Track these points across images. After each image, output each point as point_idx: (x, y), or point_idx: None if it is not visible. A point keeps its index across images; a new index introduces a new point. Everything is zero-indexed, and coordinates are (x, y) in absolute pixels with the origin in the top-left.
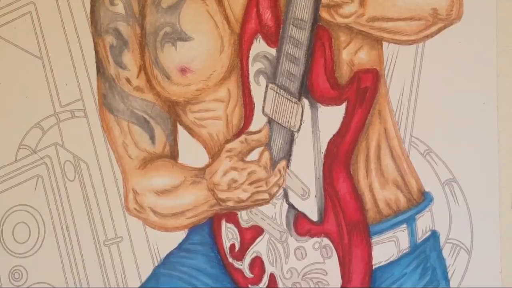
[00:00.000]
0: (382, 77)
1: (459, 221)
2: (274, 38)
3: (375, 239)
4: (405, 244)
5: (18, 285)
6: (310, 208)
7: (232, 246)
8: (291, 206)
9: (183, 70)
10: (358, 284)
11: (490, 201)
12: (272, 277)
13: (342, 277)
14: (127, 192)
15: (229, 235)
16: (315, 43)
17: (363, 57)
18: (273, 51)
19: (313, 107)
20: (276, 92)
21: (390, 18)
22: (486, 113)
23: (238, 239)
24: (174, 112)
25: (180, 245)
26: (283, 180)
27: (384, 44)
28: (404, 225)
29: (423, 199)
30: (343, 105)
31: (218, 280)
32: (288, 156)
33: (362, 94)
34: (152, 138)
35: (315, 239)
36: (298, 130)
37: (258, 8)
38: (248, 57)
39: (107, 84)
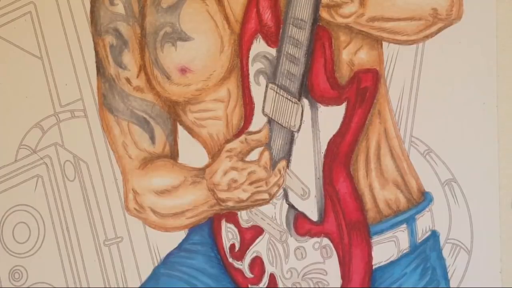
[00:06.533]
0: (382, 77)
1: (459, 221)
2: (274, 38)
3: (375, 239)
4: (405, 244)
5: (18, 285)
6: (310, 208)
7: (232, 246)
8: (291, 206)
9: (183, 70)
10: (358, 284)
11: (490, 201)
12: (272, 277)
13: (342, 277)
14: (127, 192)
15: (229, 235)
16: (315, 43)
17: (363, 57)
18: (273, 51)
19: (313, 107)
20: (276, 92)
21: (390, 18)
22: (486, 113)
23: (238, 239)
24: (174, 112)
25: (180, 245)
26: (283, 180)
27: (384, 44)
28: (404, 225)
29: (423, 199)
30: (343, 105)
31: (218, 280)
32: (288, 156)
33: (362, 94)
34: (152, 138)
35: (315, 239)
36: (298, 130)
37: (258, 8)
38: (248, 57)
39: (107, 84)
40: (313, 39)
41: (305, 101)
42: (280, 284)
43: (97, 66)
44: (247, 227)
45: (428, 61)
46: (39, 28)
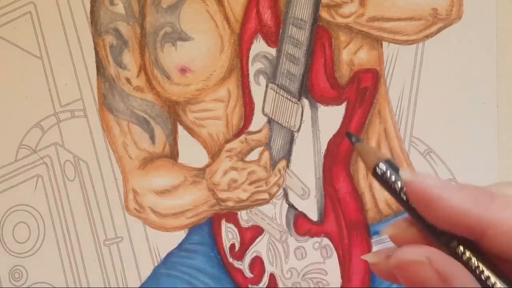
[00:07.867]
0: (382, 77)
1: None
2: (274, 38)
3: (375, 239)
4: None
5: (18, 285)
6: (310, 208)
7: (232, 246)
8: (291, 206)
9: (183, 70)
10: (358, 284)
11: None
12: (272, 277)
13: (342, 277)
14: (127, 192)
15: (229, 235)
16: (315, 43)
17: (363, 57)
18: (273, 51)
19: (313, 107)
20: (276, 92)
21: (390, 18)
22: (486, 113)
23: (238, 239)
24: (174, 112)
25: (180, 245)
26: (283, 180)
27: (384, 44)
28: None
29: None
30: (343, 105)
31: (218, 280)
32: (288, 156)
33: (362, 94)
34: (152, 138)
35: (315, 239)
36: (298, 130)
37: (258, 8)
38: (248, 57)
39: (107, 84)
40: (313, 39)
41: (305, 101)
42: (280, 284)
43: (97, 66)
44: (247, 227)
45: (428, 61)
46: (39, 28)
